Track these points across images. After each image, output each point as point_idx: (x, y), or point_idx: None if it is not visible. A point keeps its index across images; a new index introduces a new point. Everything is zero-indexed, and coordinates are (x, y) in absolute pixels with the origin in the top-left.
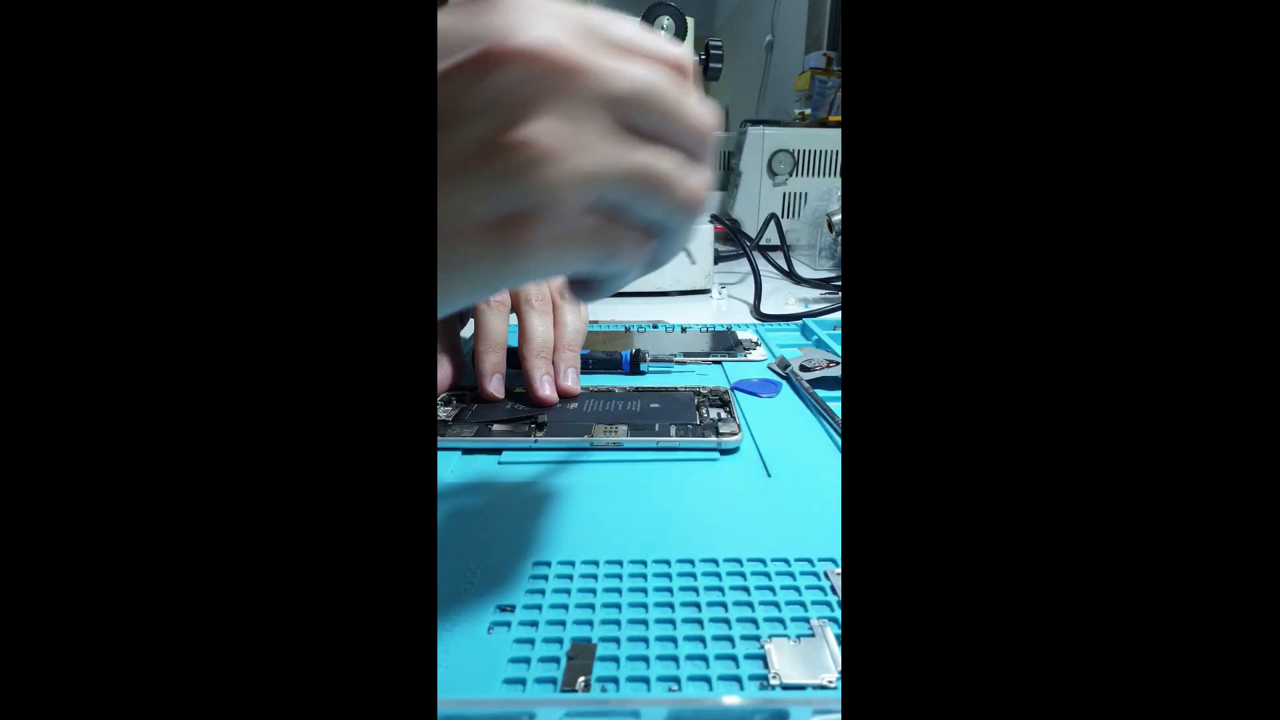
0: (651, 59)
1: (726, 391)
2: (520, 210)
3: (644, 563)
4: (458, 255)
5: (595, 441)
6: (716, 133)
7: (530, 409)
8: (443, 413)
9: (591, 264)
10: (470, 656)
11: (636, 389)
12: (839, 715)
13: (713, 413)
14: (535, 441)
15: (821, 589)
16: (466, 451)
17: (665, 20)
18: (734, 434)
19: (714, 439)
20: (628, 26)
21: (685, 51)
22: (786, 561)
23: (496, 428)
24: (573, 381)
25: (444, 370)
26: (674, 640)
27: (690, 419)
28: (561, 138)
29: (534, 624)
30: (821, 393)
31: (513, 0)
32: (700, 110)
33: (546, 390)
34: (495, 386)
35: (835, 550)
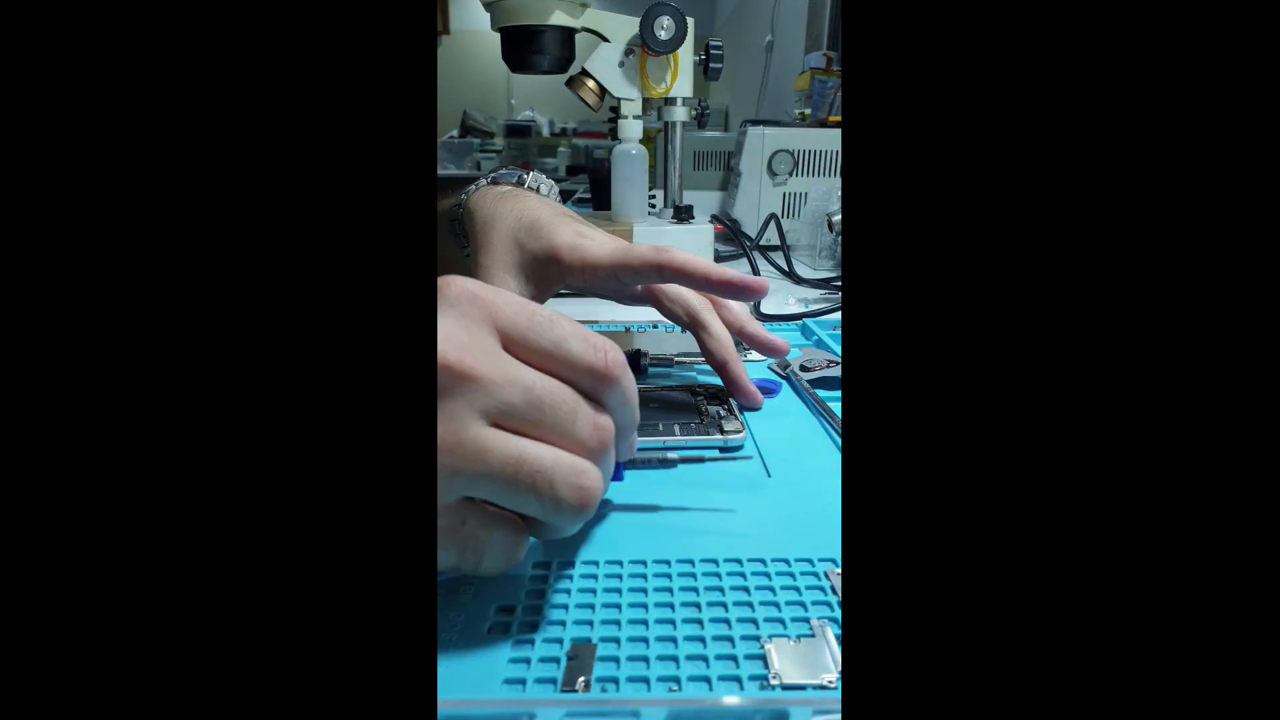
0: (570, 365)
1: (722, 389)
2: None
3: (644, 563)
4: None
5: None
6: (610, 445)
7: None
8: None
9: (455, 559)
10: (470, 656)
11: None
12: (839, 715)
13: (712, 409)
14: None
15: (821, 589)
16: None
17: (665, 21)
18: (738, 431)
19: (719, 437)
20: (561, 329)
21: (612, 356)
22: (787, 561)
23: None
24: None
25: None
26: (674, 640)
27: (691, 418)
28: (445, 441)
29: (534, 624)
30: (821, 393)
31: (453, 294)
32: (589, 424)
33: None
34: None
35: (835, 550)
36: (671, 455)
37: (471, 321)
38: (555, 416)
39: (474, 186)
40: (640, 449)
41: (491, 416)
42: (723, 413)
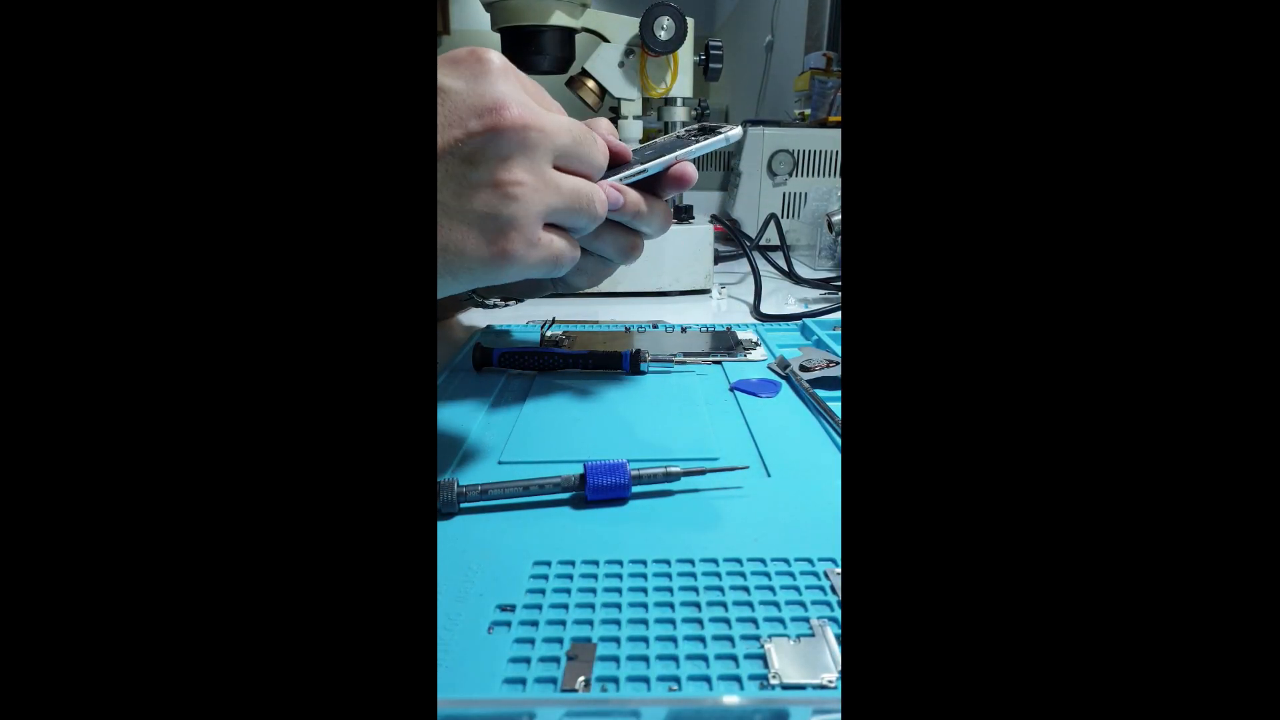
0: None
1: (708, 126)
2: (504, 225)
3: (644, 562)
4: (460, 259)
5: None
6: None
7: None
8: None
9: (545, 267)
10: (470, 656)
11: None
12: (839, 715)
13: (703, 138)
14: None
15: (821, 589)
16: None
17: (665, 21)
18: (733, 126)
19: (720, 137)
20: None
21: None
22: (786, 561)
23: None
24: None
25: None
26: (674, 640)
27: (689, 140)
28: (528, 183)
29: (534, 624)
30: (821, 393)
31: (495, 70)
32: (601, 152)
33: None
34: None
35: (835, 550)
36: (675, 470)
37: (516, 83)
38: (587, 151)
39: None
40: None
41: (554, 159)
42: (713, 125)
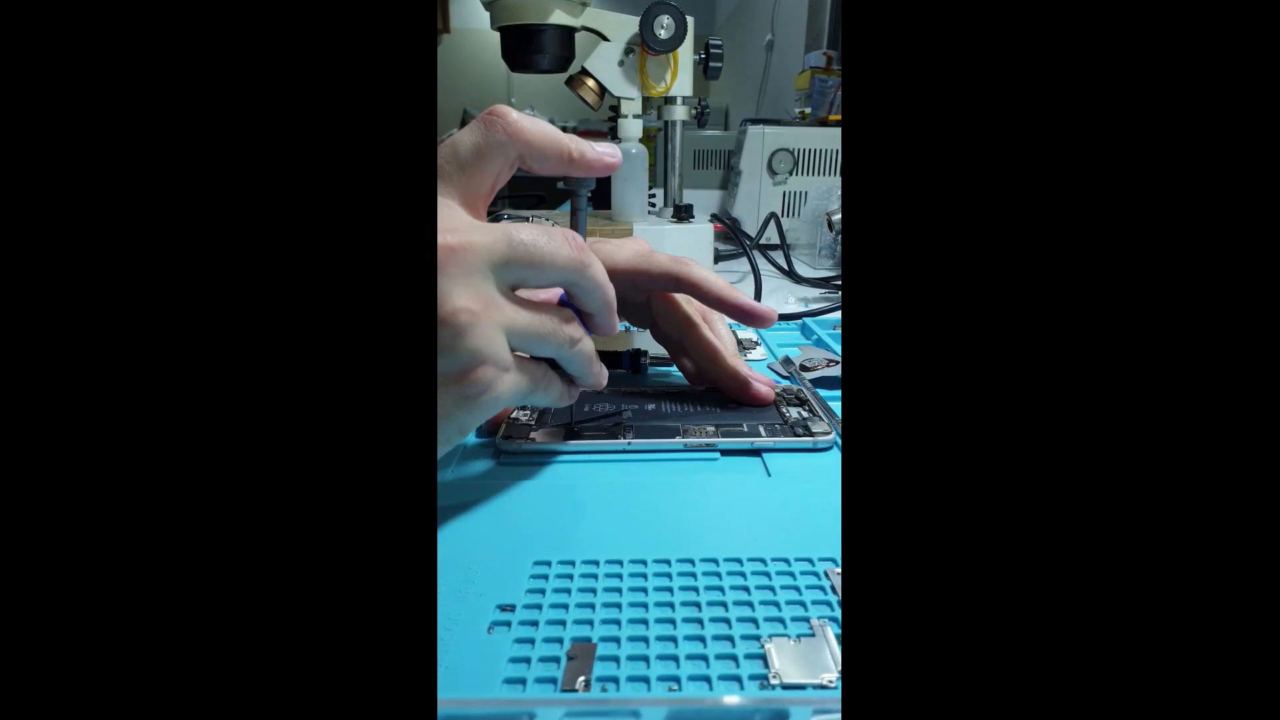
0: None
1: (800, 390)
2: (470, 363)
3: (644, 562)
4: (442, 411)
5: (689, 443)
6: (586, 266)
7: (612, 409)
8: (522, 417)
9: (529, 394)
10: (470, 656)
11: (706, 389)
12: (839, 715)
13: (792, 411)
14: (629, 443)
15: (822, 589)
16: (556, 455)
17: (665, 20)
18: (826, 433)
19: (808, 439)
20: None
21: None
22: (787, 561)
23: (584, 431)
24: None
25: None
26: (674, 640)
27: (775, 419)
28: (472, 309)
29: (534, 624)
30: (822, 392)
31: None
32: (566, 245)
33: (766, 389)
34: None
35: (835, 550)
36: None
37: (456, 212)
38: (542, 250)
39: None
40: (731, 447)
41: (498, 274)
42: (804, 414)
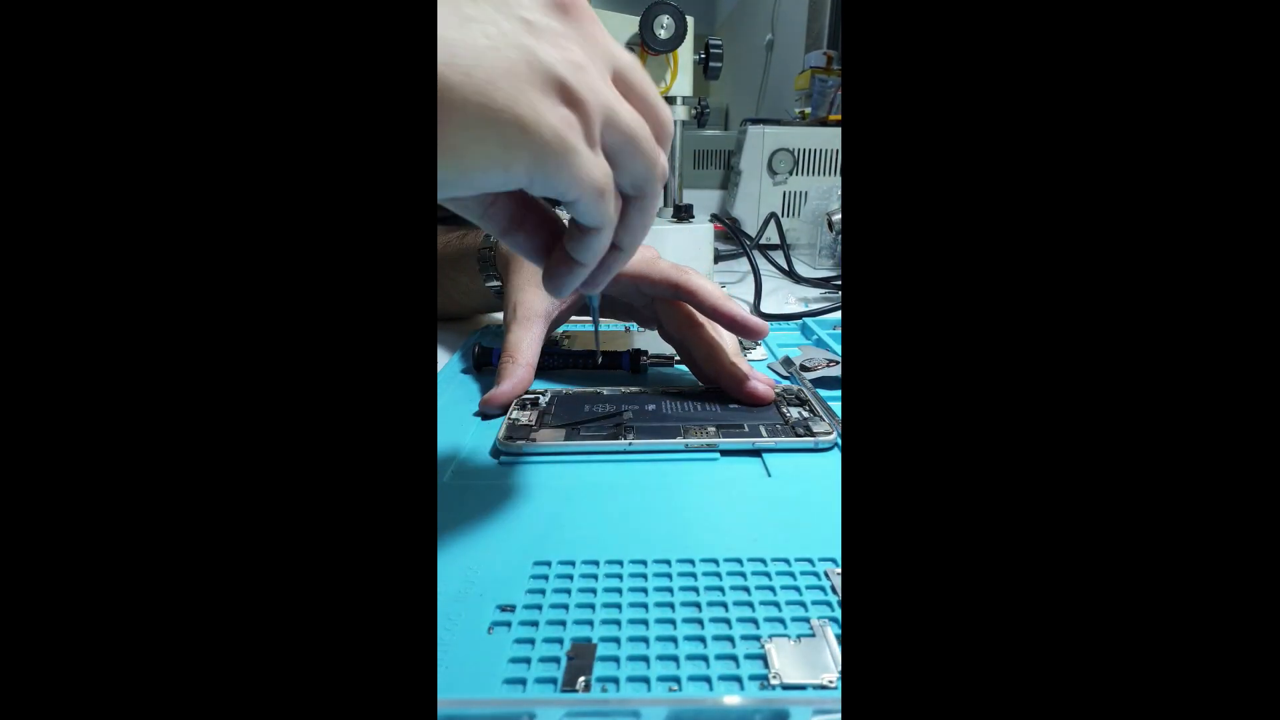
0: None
1: (801, 390)
2: (570, 90)
3: (644, 563)
4: (543, 129)
5: (689, 443)
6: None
7: (612, 409)
8: (523, 417)
9: (593, 195)
10: (470, 656)
11: (707, 389)
12: (839, 715)
13: (793, 411)
14: (630, 444)
15: (822, 589)
16: (556, 457)
17: (665, 20)
18: (827, 433)
19: (809, 439)
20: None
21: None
22: (787, 561)
23: (585, 431)
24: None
25: (517, 377)
26: (674, 640)
27: (775, 419)
28: (585, 66)
29: (534, 624)
30: (822, 392)
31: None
32: (666, 110)
33: (764, 387)
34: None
35: (836, 550)
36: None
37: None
38: (644, 81)
39: None
40: (732, 448)
41: (609, 61)
42: (805, 414)
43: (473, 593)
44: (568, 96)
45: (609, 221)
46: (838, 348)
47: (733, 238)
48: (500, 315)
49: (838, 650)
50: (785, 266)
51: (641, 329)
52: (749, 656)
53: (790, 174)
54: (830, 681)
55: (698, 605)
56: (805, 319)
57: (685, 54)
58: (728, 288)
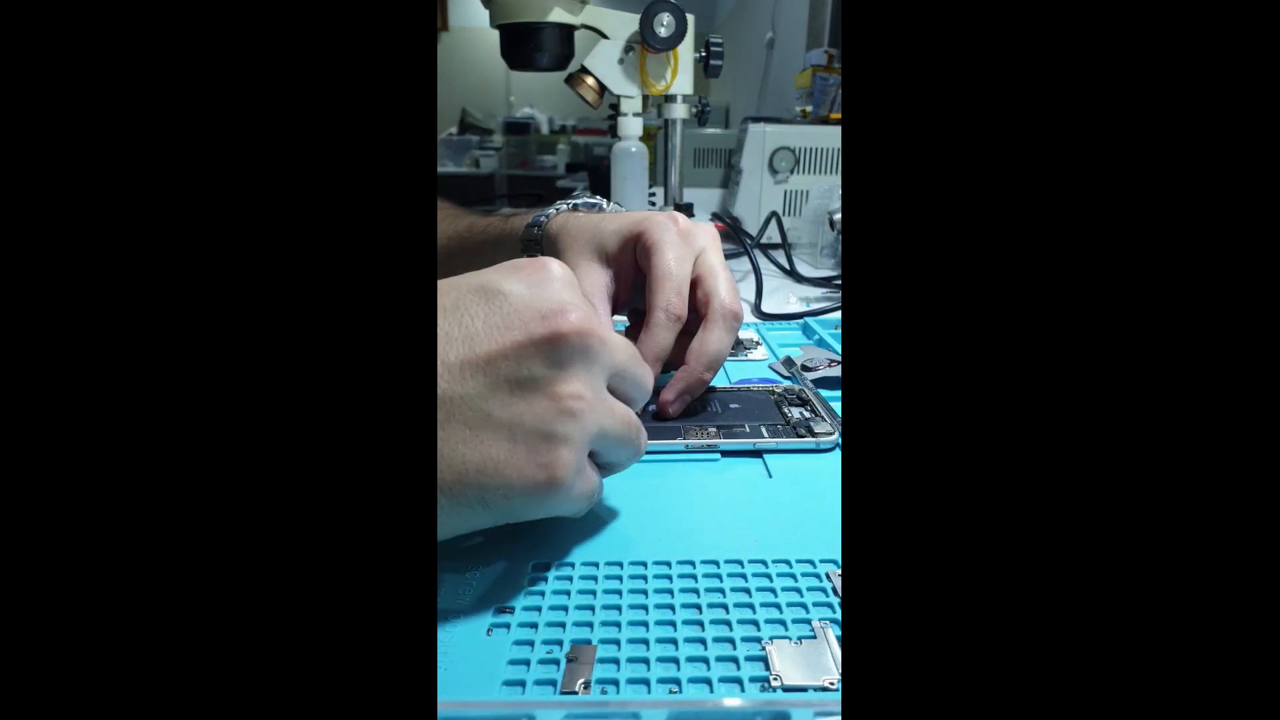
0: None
1: (802, 390)
2: (557, 443)
3: (644, 564)
4: (498, 479)
5: (690, 444)
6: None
7: None
8: None
9: (581, 504)
10: (470, 658)
11: (708, 389)
12: (840, 717)
13: (794, 412)
14: None
15: (823, 590)
16: None
17: (665, 18)
18: (829, 434)
19: (810, 439)
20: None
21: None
22: (788, 563)
23: None
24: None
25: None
26: (674, 642)
27: (776, 419)
28: (588, 398)
29: (533, 625)
30: (823, 392)
31: (558, 277)
32: (649, 378)
33: (678, 407)
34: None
35: (837, 551)
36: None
37: (578, 293)
38: (641, 375)
39: (554, 210)
40: (732, 448)
41: (609, 377)
42: (806, 414)
43: (472, 594)
44: (565, 448)
45: (637, 440)
46: (839, 347)
47: (733, 237)
48: None
49: (839, 652)
50: (786, 266)
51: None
52: (750, 658)
53: (791, 173)
54: (831, 683)
55: (698, 607)
56: (806, 318)
57: (686, 52)
58: None
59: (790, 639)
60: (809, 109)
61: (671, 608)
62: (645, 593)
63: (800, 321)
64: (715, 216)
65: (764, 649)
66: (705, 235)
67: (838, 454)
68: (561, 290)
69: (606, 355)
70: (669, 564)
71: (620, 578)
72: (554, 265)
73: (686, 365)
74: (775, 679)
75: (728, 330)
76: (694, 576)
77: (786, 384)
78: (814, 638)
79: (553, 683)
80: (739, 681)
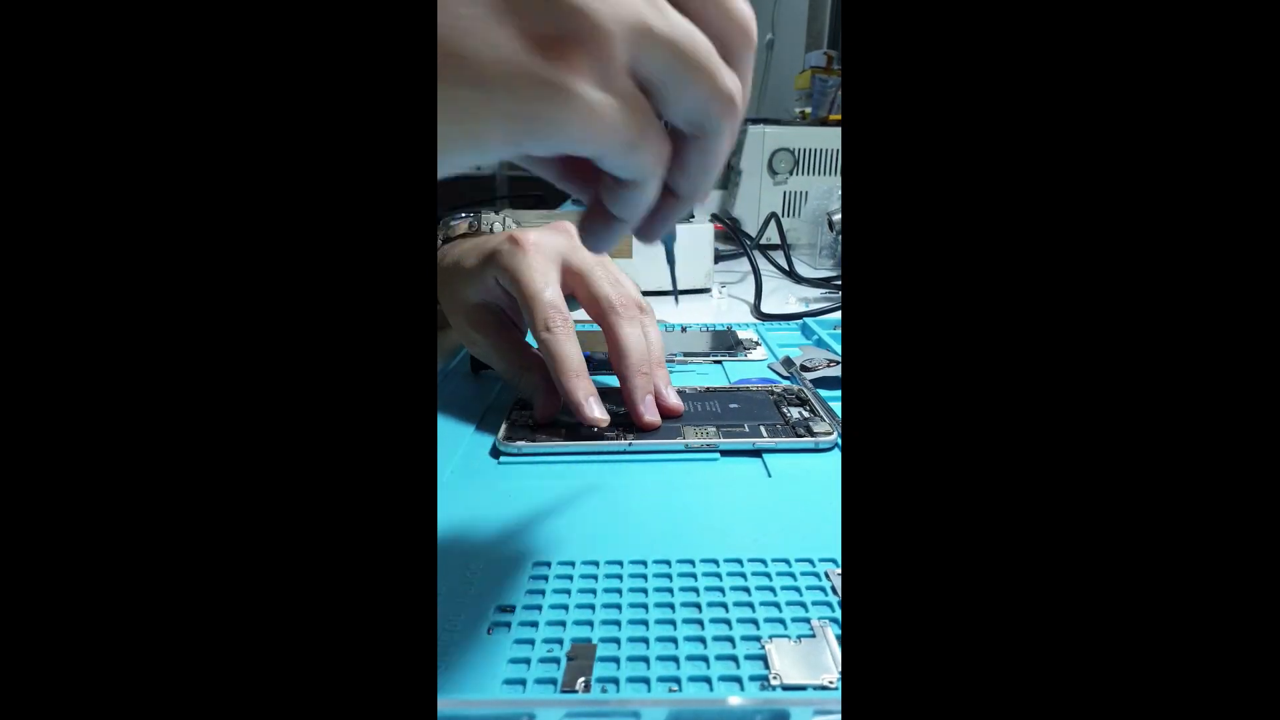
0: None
1: (801, 390)
2: (565, 33)
3: (644, 563)
4: (498, 69)
5: (689, 444)
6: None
7: (615, 408)
8: (522, 417)
9: (618, 148)
10: (470, 657)
11: (708, 389)
12: (839, 716)
13: (794, 411)
14: (630, 444)
15: (822, 589)
16: (560, 457)
17: None
18: (828, 433)
19: (810, 439)
20: None
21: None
22: (787, 562)
23: (585, 431)
24: (676, 399)
25: (549, 403)
26: (674, 641)
27: (775, 418)
28: None
29: (534, 624)
30: (822, 392)
31: None
32: (744, 5)
33: (650, 415)
34: (597, 411)
35: (836, 550)
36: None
37: None
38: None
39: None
40: (732, 448)
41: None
42: (806, 414)
43: (472, 593)
44: (582, 37)
45: (650, 174)
46: (838, 348)
47: (733, 237)
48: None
49: (838, 651)
50: (786, 266)
51: None
52: (749, 657)
53: (791, 174)
54: (831, 682)
55: (698, 606)
56: (805, 319)
57: None
58: (728, 288)
59: (790, 638)
60: (808, 110)
61: (671, 606)
62: (645, 591)
63: (799, 322)
64: (715, 217)
65: (763, 648)
66: (560, 239)
67: (837, 454)
68: None
69: None
70: (669, 563)
71: (620, 577)
72: None
73: (623, 378)
74: (775, 678)
75: (630, 320)
76: (694, 575)
77: (786, 384)
78: (813, 637)
79: (553, 681)
80: (739, 680)
